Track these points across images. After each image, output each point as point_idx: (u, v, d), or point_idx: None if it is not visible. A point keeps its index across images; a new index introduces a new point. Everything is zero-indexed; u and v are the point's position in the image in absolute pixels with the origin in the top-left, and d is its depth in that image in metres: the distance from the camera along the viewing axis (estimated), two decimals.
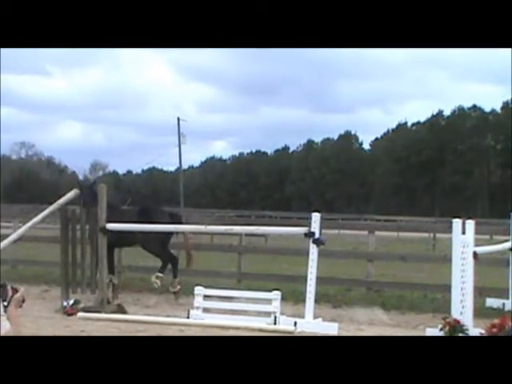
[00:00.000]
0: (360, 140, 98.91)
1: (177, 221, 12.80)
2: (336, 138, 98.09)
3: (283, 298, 11.04)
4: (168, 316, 11.23)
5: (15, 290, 4.13)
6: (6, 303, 4.13)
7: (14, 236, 12.31)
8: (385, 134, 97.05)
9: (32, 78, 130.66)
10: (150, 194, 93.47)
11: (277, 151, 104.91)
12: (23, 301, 4.31)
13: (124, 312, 11.53)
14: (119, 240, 12.61)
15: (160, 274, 12.66)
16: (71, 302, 11.61)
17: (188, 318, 10.90)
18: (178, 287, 12.83)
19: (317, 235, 10.53)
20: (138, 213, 12.98)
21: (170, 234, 13.03)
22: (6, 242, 12.13)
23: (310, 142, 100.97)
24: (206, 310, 11.05)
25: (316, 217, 10.68)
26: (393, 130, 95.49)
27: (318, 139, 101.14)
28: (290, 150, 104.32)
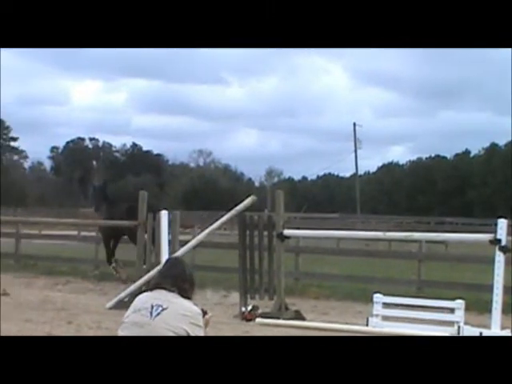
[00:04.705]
0: None
1: None
2: None
3: (466, 308, 10.58)
4: (346, 323, 11.06)
5: (204, 312, 4.53)
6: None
7: (193, 242, 12.62)
8: None
9: (210, 87, 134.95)
10: (326, 200, 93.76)
11: (457, 155, 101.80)
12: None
13: (302, 318, 11.49)
14: (113, 232, 15.29)
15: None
16: (249, 307, 11.73)
17: (367, 325, 10.69)
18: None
19: (503, 242, 10.09)
20: (126, 210, 14.56)
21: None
22: (185, 248, 12.46)
23: (493, 146, 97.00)
24: (385, 317, 10.78)
25: (502, 223, 10.23)
26: None
27: (501, 142, 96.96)
28: (471, 154, 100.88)
